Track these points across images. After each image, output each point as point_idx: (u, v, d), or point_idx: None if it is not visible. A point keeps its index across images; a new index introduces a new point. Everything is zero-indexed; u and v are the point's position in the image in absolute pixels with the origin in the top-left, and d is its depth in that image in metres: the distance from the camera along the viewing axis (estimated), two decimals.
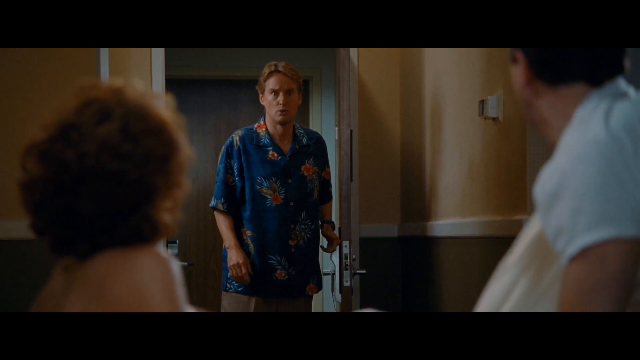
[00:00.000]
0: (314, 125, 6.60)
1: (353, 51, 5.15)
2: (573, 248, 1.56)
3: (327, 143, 4.47)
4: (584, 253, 1.55)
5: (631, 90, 1.71)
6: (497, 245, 3.53)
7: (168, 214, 1.65)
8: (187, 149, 1.68)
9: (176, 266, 1.60)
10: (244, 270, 4.13)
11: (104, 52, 3.99)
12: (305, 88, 5.22)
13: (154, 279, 1.55)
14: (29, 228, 1.64)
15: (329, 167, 4.42)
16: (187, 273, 6.41)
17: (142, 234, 1.62)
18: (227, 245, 4.20)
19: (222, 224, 4.23)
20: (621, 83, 1.71)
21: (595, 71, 1.68)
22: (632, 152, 1.57)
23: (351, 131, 4.46)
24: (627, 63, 1.71)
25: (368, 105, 5.26)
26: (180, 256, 6.36)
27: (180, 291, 1.59)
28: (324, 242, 4.39)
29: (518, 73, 1.76)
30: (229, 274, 4.21)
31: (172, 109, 1.67)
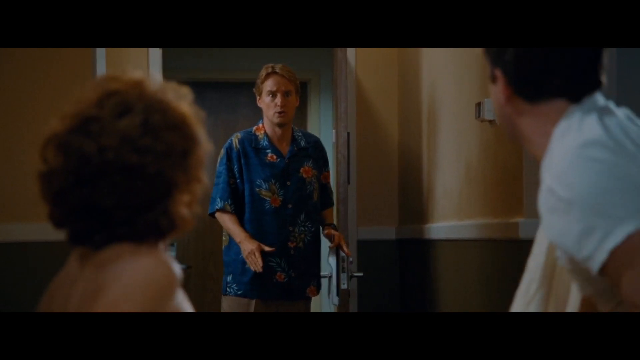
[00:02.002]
0: (312, 128, 6.60)
1: (350, 53, 5.15)
2: (612, 242, 1.54)
3: (325, 146, 4.42)
4: (626, 245, 1.53)
5: (610, 105, 1.73)
6: (494, 247, 3.54)
7: (186, 209, 1.67)
8: (206, 144, 1.69)
9: (177, 274, 1.60)
10: (258, 256, 4.02)
11: (101, 53, 3.98)
12: (303, 91, 5.21)
13: (144, 285, 1.55)
14: (48, 218, 1.64)
15: (327, 171, 4.38)
16: (185, 276, 6.39)
17: (160, 227, 1.63)
18: (238, 240, 4.11)
19: (228, 221, 4.16)
20: (599, 98, 1.73)
21: (574, 87, 1.70)
22: (633, 152, 1.59)
23: (348, 133, 4.46)
24: (605, 78, 1.73)
25: (366, 107, 5.26)
26: (178, 259, 6.32)
27: (170, 302, 1.59)
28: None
29: (498, 91, 1.77)
30: (228, 277, 4.20)
31: (191, 103, 1.68)
